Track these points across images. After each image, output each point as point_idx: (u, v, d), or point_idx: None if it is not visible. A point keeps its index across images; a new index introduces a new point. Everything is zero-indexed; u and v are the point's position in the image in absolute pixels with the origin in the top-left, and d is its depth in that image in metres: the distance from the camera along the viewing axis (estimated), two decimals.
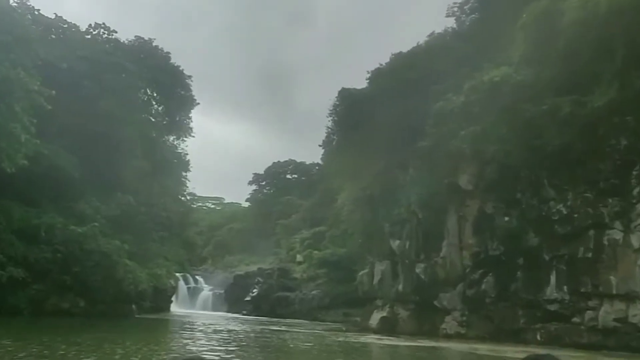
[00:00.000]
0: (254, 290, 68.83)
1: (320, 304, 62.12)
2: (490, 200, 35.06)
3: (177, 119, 59.95)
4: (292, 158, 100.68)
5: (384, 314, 38.82)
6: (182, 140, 61.93)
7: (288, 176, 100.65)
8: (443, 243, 36.83)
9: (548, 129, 31.95)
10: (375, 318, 39.43)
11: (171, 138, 62.16)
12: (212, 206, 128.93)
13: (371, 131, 40.40)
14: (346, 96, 44.26)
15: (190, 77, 60.38)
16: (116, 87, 45.42)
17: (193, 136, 62.37)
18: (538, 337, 32.45)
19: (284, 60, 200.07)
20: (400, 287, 37.84)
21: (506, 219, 34.28)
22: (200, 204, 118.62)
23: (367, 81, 44.47)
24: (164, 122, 59.83)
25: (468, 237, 35.75)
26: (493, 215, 34.77)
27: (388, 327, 38.49)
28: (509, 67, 33.40)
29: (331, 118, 46.04)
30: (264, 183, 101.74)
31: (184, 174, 64.64)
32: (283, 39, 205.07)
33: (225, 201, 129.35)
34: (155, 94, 57.70)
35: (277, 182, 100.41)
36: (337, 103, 44.81)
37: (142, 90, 52.78)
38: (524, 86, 32.48)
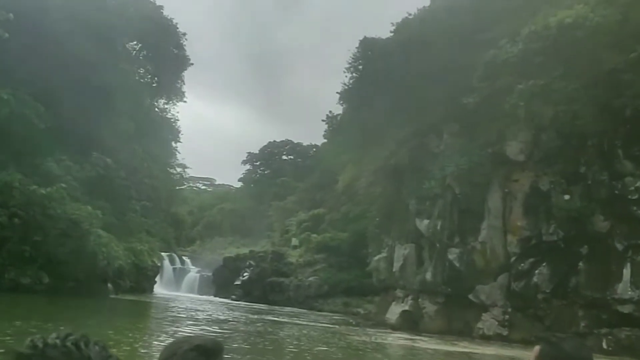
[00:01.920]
0: (245, 274, 60.95)
1: (318, 292, 54.38)
2: (546, 174, 27.57)
3: (168, 80, 51.58)
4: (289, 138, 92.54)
5: (406, 307, 31.18)
6: (173, 104, 53.78)
7: (284, 157, 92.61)
8: (482, 225, 29.28)
9: (633, 85, 24.35)
10: (394, 312, 31.78)
11: (161, 102, 53.99)
12: (203, 187, 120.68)
13: (398, 89, 32.68)
14: (369, 47, 36.24)
15: (184, 34, 52.16)
16: (94, 26, 37.19)
17: (185, 101, 54.35)
18: (604, 345, 25.02)
19: (275, 44, 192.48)
20: (427, 275, 30.19)
21: (566, 197, 26.82)
22: (190, 184, 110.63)
23: (392, 33, 36.35)
24: (153, 84, 51.56)
25: (516, 218, 28.19)
26: (549, 193, 27.27)
27: (410, 323, 30.95)
28: (585, 5, 25.70)
29: (350, 73, 37.97)
30: (258, 163, 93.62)
31: (173, 144, 56.49)
32: (274, 24, 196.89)
33: (217, 182, 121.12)
34: (143, 50, 49.40)
35: (272, 162, 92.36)
36: (358, 55, 36.77)
37: (127, 39, 44.44)
38: (604, 30, 24.82)
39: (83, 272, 36.12)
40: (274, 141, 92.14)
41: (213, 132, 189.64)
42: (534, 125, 27.94)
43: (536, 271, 26.98)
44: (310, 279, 55.77)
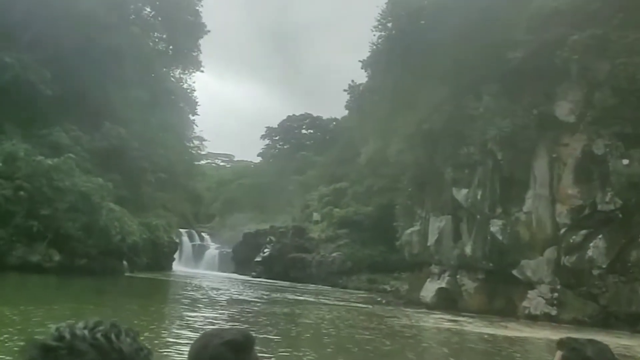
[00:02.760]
0: (266, 250, 58.44)
1: (341, 269, 51.67)
2: (600, 137, 24.35)
3: (184, 49, 48.65)
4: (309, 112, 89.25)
5: (443, 284, 28.30)
6: (190, 74, 50.94)
7: (303, 131, 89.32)
8: (527, 193, 26.21)
9: None
10: (429, 289, 28.93)
11: (177, 72, 51.17)
12: (222, 163, 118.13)
13: (432, 48, 29.42)
14: (399, 3, 32.87)
15: (200, 0, 49.08)
16: None
17: (202, 70, 51.48)
18: None
19: (292, 18, 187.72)
20: (466, 249, 27.24)
21: (625, 162, 23.62)
22: (209, 161, 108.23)
23: None
24: (169, 53, 48.69)
25: (566, 186, 25.07)
26: (605, 157, 24.09)
27: (447, 301, 28.10)
28: None
29: (378, 33, 34.61)
30: (277, 138, 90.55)
31: (191, 117, 53.73)
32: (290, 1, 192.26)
33: (236, 159, 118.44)
34: (158, 17, 46.42)
35: (291, 137, 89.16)
36: (387, 13, 33.43)
37: (139, 3, 41.51)
38: None
39: (95, 249, 33.88)
40: (293, 115, 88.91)
41: (231, 109, 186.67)
42: (587, 82, 24.65)
43: (590, 244, 23.92)
44: (334, 254, 53.08)
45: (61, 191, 29.72)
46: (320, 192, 64.29)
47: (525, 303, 25.48)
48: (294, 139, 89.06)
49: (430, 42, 29.35)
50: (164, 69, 46.25)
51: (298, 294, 32.16)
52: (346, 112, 78.30)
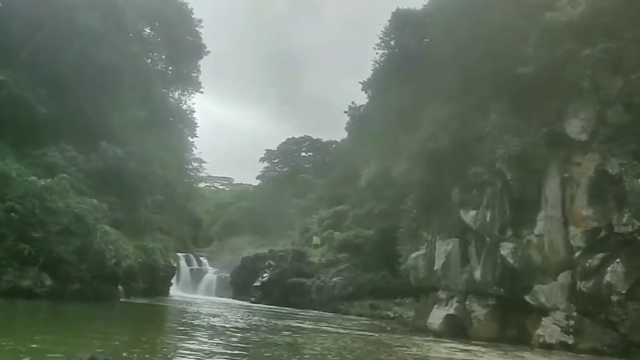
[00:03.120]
0: (264, 275, 56.95)
1: (342, 294, 50.16)
2: (614, 155, 23.24)
3: (183, 69, 47.83)
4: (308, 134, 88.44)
5: (451, 311, 26.92)
6: (189, 95, 50.02)
7: (303, 154, 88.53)
8: (539, 215, 25.02)
9: None
10: (436, 316, 27.53)
11: (177, 93, 50.28)
12: (221, 187, 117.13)
13: (437, 64, 28.52)
14: (402, 20, 32.06)
15: (200, 21, 48.42)
16: (103, 4, 33.47)
17: (202, 91, 50.53)
18: None
19: (290, 46, 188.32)
20: (476, 274, 25.91)
21: None
22: (208, 184, 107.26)
23: (426, 1, 32.05)
24: (168, 73, 47.86)
25: (580, 207, 23.90)
26: (620, 177, 22.96)
27: (456, 329, 26.69)
28: None
29: (381, 50, 33.74)
30: (276, 160, 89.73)
31: (190, 139, 52.68)
32: (289, 26, 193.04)
33: (235, 182, 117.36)
34: (157, 37, 45.66)
35: (290, 159, 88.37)
36: (390, 29, 32.60)
37: (139, 22, 40.72)
38: None
39: (89, 273, 32.41)
40: (293, 137, 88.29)
41: (230, 132, 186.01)
42: (599, 99, 23.64)
43: (608, 268, 22.63)
44: (334, 279, 51.60)
45: (54, 213, 28.44)
46: (320, 215, 63.06)
47: (539, 331, 24.10)
48: (293, 161, 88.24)
49: (435, 59, 28.47)
50: (163, 90, 45.32)
51: (299, 321, 30.73)
52: (346, 135, 77.63)
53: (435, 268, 28.13)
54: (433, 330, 27.31)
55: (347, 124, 59.89)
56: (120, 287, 37.59)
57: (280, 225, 77.17)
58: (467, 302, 26.34)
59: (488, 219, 25.75)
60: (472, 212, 26.60)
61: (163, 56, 46.30)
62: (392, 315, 43.54)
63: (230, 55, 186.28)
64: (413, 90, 30.84)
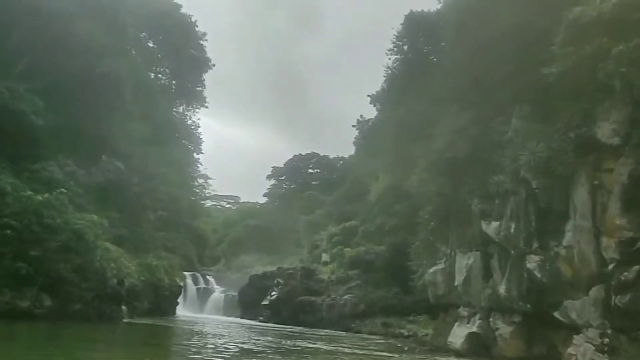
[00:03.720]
0: (273, 294, 54.84)
1: (354, 312, 48.06)
2: None
3: (187, 83, 46.45)
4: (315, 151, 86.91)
5: (473, 328, 24.94)
6: (194, 110, 48.61)
7: (310, 170, 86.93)
8: (567, 225, 23.05)
9: None
10: (458, 334, 25.56)
11: (181, 109, 48.90)
12: (228, 205, 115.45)
13: (453, 69, 26.90)
14: (416, 23, 30.55)
15: (205, 34, 47.21)
16: (104, 13, 32.14)
17: (206, 106, 49.20)
18: None
19: (292, 63, 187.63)
20: (500, 289, 23.97)
21: None
22: (214, 203, 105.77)
23: (440, 3, 30.49)
24: (172, 88, 46.52)
25: (613, 216, 21.90)
26: None
27: (480, 348, 24.70)
28: None
29: (393, 56, 32.17)
30: (283, 178, 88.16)
31: (195, 155, 51.24)
32: (290, 43, 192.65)
33: (241, 200, 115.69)
34: (160, 51, 44.39)
35: (297, 176, 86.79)
36: (403, 34, 31.06)
37: (142, 34, 39.42)
38: None
39: (91, 293, 30.77)
40: (300, 154, 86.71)
41: (236, 151, 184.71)
42: (632, 100, 21.82)
43: None
44: (345, 297, 49.54)
45: (52, 230, 26.84)
46: (329, 231, 61.18)
47: (571, 350, 22.05)
48: (300, 178, 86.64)
49: (451, 63, 26.88)
50: (167, 104, 43.90)
51: (311, 341, 28.82)
52: (353, 151, 76.09)
53: (456, 283, 26.21)
54: (455, 349, 25.33)
55: (355, 138, 58.42)
56: (123, 307, 35.90)
57: (288, 242, 75.47)
58: (490, 319, 24.38)
59: (512, 230, 23.88)
60: (495, 224, 24.75)
61: (167, 70, 45.05)
62: (406, 334, 41.52)
63: (232, 73, 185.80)
64: (427, 97, 29.21)
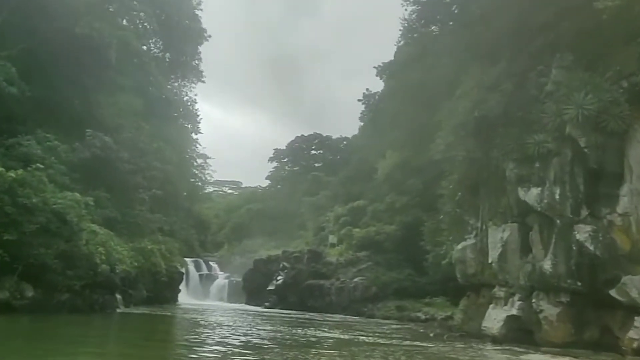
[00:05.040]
0: (279, 278, 51.52)
1: (365, 295, 44.69)
2: None
3: (182, 55, 42.52)
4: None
5: (513, 311, 21.30)
6: (190, 86, 44.75)
7: (313, 152, 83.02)
8: (622, 189, 19.45)
9: None
10: (494, 318, 21.94)
11: (175, 84, 45.01)
12: (230, 191, 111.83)
13: (480, 17, 23.06)
14: None
15: (199, 3, 43.20)
16: None
17: (203, 81, 45.23)
18: None
19: (290, 48, 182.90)
20: (545, 265, 20.32)
21: None
22: (216, 188, 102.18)
23: None
24: (166, 61, 42.60)
25: None
26: None
27: (521, 333, 21.12)
28: None
29: (409, 6, 28.27)
30: (285, 160, 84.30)
31: (194, 136, 47.45)
32: (286, 29, 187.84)
33: (243, 186, 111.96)
34: (151, 20, 40.30)
35: (300, 158, 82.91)
36: None
37: (133, 3, 35.41)
38: None
39: (79, 281, 27.18)
40: (302, 135, 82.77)
41: (235, 138, 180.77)
42: None
43: None
44: (355, 280, 46.12)
45: (28, 210, 23.14)
46: (335, 212, 57.50)
47: (632, 334, 18.47)
48: (303, 160, 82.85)
49: (478, 9, 23.07)
50: (161, 77, 39.96)
51: (324, 329, 25.28)
52: (355, 134, 72.50)
53: (490, 260, 22.54)
54: (491, 335, 21.74)
55: (361, 113, 54.70)
56: (118, 296, 32.43)
57: (292, 225, 71.95)
58: (533, 300, 20.74)
59: (557, 196, 20.19)
60: (535, 190, 21.05)
61: (159, 41, 40.98)
62: (422, 317, 38.19)
63: (229, 61, 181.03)
64: (450, 52, 25.36)
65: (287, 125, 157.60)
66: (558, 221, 20.22)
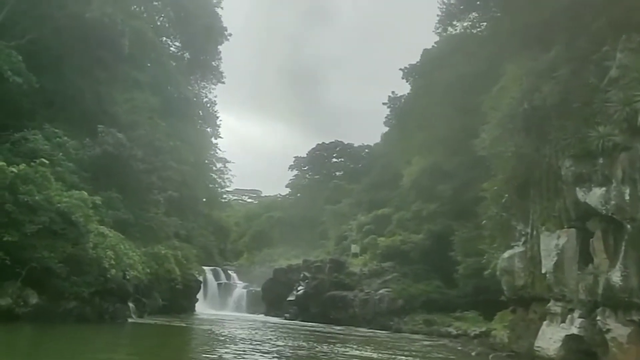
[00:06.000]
0: (300, 288, 48.90)
1: (391, 308, 41.82)
2: None
3: (201, 54, 40.25)
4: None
5: (573, 330, 18.26)
6: (210, 87, 42.45)
7: (334, 160, 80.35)
8: None
9: None
10: (550, 337, 18.91)
11: (195, 85, 42.74)
12: (249, 200, 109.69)
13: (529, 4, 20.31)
14: None
15: (220, 2, 41.00)
16: None
17: (223, 82, 42.91)
18: None
19: (306, 58, 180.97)
20: (612, 278, 17.33)
21: None
22: (236, 197, 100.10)
23: None
24: (184, 60, 40.36)
25: None
26: None
27: (583, 355, 18.09)
28: None
29: None
30: (306, 168, 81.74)
31: (214, 140, 45.13)
32: (302, 39, 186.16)
33: (263, 194, 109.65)
34: (169, 17, 38.12)
35: (321, 166, 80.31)
36: None
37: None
38: None
39: (88, 288, 24.73)
40: (323, 143, 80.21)
41: (253, 148, 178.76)
42: None
43: None
44: (381, 291, 43.25)
45: (30, 209, 20.79)
46: (359, 220, 54.79)
47: None
48: (324, 168, 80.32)
49: None
50: (180, 76, 37.67)
51: (353, 346, 22.46)
52: (378, 140, 69.92)
53: (544, 270, 19.56)
54: (547, 356, 18.72)
55: (386, 117, 52.03)
56: (130, 305, 29.97)
57: (313, 234, 69.40)
58: (598, 318, 17.73)
59: (627, 197, 17.20)
60: (598, 191, 18.07)
61: (178, 38, 38.77)
62: (454, 333, 35.30)
63: (248, 71, 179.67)
64: (489, 43, 22.61)
65: (305, 134, 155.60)
66: (628, 226, 17.21)
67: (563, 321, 18.80)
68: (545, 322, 19.55)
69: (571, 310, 18.71)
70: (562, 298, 19.04)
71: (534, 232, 20.56)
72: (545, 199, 20.24)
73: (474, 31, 30.76)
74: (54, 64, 25.88)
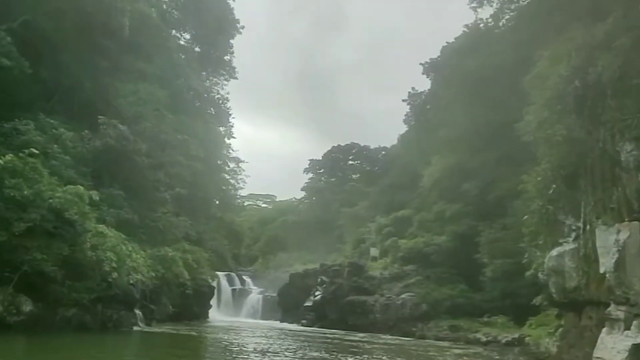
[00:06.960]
0: (317, 294, 46.10)
1: (414, 313, 38.86)
2: None
3: (212, 47, 37.93)
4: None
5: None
6: (222, 82, 40.10)
7: (350, 162, 77.76)
8: None
9: None
10: (613, 347, 16.08)
11: (207, 82, 40.43)
12: (264, 205, 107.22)
13: None
14: None
15: None
16: None
17: (236, 77, 40.59)
18: None
19: (319, 65, 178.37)
20: None
21: None
22: (250, 202, 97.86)
23: None
24: (194, 53, 38.05)
25: None
26: None
27: None
28: None
29: None
30: (321, 171, 79.15)
31: (226, 141, 42.74)
32: (316, 46, 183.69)
33: (277, 199, 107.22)
34: (178, 9, 35.85)
35: (337, 169, 77.75)
36: None
37: None
38: None
39: (89, 293, 22.43)
40: (339, 145, 77.59)
41: (267, 154, 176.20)
42: None
43: None
44: (403, 296, 40.34)
45: (19, 205, 18.46)
46: (378, 222, 51.98)
47: None
48: (340, 171, 77.69)
49: None
50: (190, 70, 35.35)
51: (381, 356, 19.76)
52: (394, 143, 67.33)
53: (602, 270, 16.74)
54: None
55: (405, 115, 49.25)
56: (137, 312, 27.62)
57: (330, 238, 66.65)
58: None
59: None
60: None
61: (188, 31, 36.47)
62: (483, 339, 32.49)
63: (259, 77, 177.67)
64: (516, 30, 19.92)
65: (320, 139, 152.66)
66: None
67: (627, 328, 15.94)
68: (604, 329, 16.69)
69: (637, 316, 15.86)
70: (625, 301, 16.16)
71: (587, 227, 17.73)
72: (600, 189, 17.42)
73: (500, 23, 28.49)
74: (50, 51, 23.65)
